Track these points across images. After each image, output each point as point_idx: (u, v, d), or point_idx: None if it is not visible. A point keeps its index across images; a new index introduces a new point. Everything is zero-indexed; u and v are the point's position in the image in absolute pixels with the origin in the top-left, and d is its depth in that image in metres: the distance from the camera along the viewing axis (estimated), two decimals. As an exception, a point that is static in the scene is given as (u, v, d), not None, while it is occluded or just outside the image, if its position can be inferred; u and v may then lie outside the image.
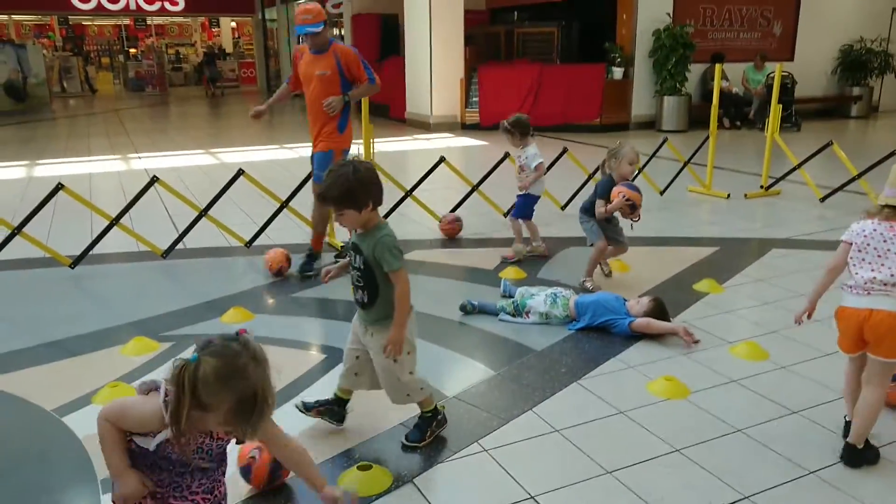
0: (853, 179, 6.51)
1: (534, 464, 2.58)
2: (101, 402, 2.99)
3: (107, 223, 4.96)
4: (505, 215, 5.91)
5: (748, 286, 4.51)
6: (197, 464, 1.78)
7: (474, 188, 6.12)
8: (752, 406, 2.98)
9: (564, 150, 6.27)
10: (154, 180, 5.02)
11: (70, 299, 4.36)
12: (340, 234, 5.44)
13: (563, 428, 2.81)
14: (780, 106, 7.13)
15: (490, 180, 6.06)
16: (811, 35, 13.89)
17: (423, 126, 13.00)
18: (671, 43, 11.88)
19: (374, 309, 2.60)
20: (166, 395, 1.66)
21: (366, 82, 4.76)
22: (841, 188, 6.72)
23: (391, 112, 14.43)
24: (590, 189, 6.46)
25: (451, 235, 5.66)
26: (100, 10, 23.27)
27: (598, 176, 6.48)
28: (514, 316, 3.94)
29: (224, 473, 1.91)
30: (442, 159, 5.92)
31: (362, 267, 2.56)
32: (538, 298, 3.92)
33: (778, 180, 7.21)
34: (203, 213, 5.18)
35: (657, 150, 7.15)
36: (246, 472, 2.40)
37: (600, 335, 3.71)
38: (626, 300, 3.83)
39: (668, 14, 12.29)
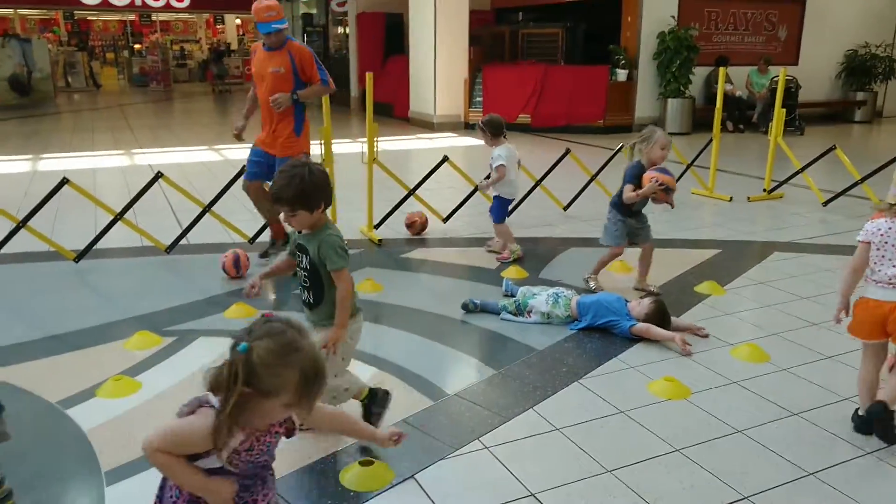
0: (856, 184, 6.52)
1: (534, 462, 2.59)
2: (104, 396, 3.01)
3: (111, 218, 4.98)
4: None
5: (750, 289, 4.52)
6: (265, 461, 1.72)
7: (477, 188, 6.12)
8: (752, 407, 2.99)
9: (567, 152, 6.28)
10: (158, 176, 5.04)
11: (74, 293, 4.38)
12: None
13: (564, 427, 2.82)
14: (784, 110, 7.15)
15: (493, 180, 6.07)
16: (816, 40, 13.89)
17: (427, 125, 13.01)
18: (675, 45, 11.89)
19: (320, 309, 2.61)
20: (223, 401, 1.56)
21: (318, 83, 4.71)
22: (844, 192, 6.73)
23: (395, 111, 14.44)
24: (592, 190, 6.53)
25: (417, 233, 5.72)
26: (105, 6, 23.30)
27: (600, 178, 6.60)
28: (515, 315, 3.95)
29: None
30: (445, 159, 5.94)
31: (308, 267, 2.56)
32: (540, 298, 3.93)
33: (781, 184, 7.22)
34: (207, 208, 5.20)
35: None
36: None
37: (602, 335, 3.72)
38: (627, 301, 3.85)
39: (673, 17, 12.30)
